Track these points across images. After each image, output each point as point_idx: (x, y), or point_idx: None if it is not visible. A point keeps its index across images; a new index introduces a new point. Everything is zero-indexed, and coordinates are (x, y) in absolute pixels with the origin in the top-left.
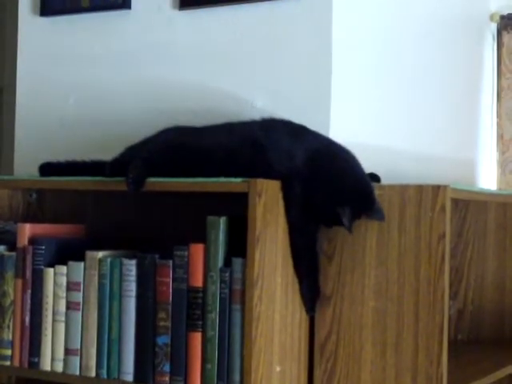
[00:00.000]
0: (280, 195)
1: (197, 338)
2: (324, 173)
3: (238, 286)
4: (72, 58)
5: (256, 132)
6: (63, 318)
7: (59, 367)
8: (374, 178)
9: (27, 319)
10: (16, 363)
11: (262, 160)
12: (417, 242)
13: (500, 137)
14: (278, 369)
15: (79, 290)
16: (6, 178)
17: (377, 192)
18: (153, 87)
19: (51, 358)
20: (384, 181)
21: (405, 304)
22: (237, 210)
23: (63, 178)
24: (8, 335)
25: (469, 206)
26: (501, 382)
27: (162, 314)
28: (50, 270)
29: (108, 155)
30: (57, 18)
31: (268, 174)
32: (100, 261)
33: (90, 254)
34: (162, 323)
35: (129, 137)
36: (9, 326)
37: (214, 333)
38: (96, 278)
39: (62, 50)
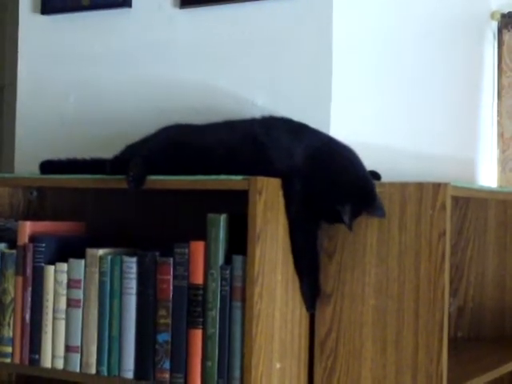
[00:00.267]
0: (280, 193)
1: (197, 336)
2: (324, 170)
3: (238, 284)
4: (72, 56)
5: (256, 130)
6: (64, 316)
7: (60, 364)
8: (375, 175)
9: (28, 316)
10: (16, 360)
11: (262, 158)
12: (417, 240)
13: (500, 135)
14: (278, 366)
15: (80, 288)
16: (6, 175)
17: (377, 190)
18: (153, 85)
19: (52, 356)
20: (384, 179)
21: (405, 302)
22: (237, 207)
23: (64, 175)
24: (8, 332)
25: (469, 204)
26: (501, 380)
27: (162, 312)
28: (51, 268)
29: (108, 153)
30: (57, 17)
31: (268, 172)
32: (100, 258)
33: (90, 251)
34: (162, 320)
35: (129, 135)
36: (9, 324)
37: (214, 330)
38: (96, 275)
39: (63, 49)
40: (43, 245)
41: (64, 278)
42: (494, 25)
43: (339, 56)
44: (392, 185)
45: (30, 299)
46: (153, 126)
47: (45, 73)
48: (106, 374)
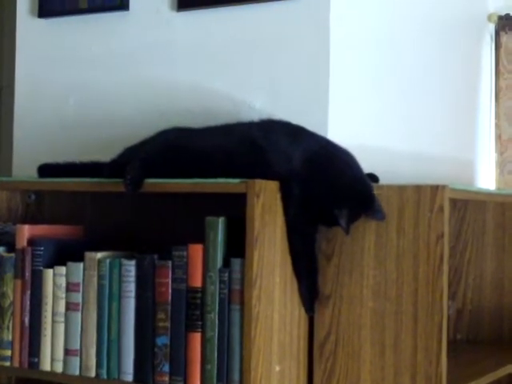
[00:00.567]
0: (278, 196)
1: (196, 339)
2: (322, 173)
3: (236, 286)
4: (70, 59)
5: (254, 133)
6: (62, 319)
7: (59, 367)
8: (373, 178)
9: (27, 320)
10: (16, 364)
11: (260, 161)
12: (415, 242)
13: (498, 137)
14: (277, 368)
15: (78, 291)
16: (4, 179)
17: (375, 192)
18: (151, 88)
19: (51, 359)
20: (382, 181)
21: (403, 304)
22: (235, 210)
23: (62, 179)
24: (8, 336)
25: (467, 206)
26: (500, 382)
27: (161, 315)
28: (49, 271)
29: (107, 156)
30: (55, 20)
31: (266, 175)
32: (99, 261)
33: (88, 254)
34: (161, 324)
35: (127, 138)
36: (8, 327)
37: (213, 333)
38: (95, 278)
39: (61, 52)
40: (42, 248)
41: (63, 282)
42: (492, 27)
43: (337, 58)
44: (390, 187)
45: (28, 303)
46: (151, 128)
47: (43, 75)
48: (105, 377)
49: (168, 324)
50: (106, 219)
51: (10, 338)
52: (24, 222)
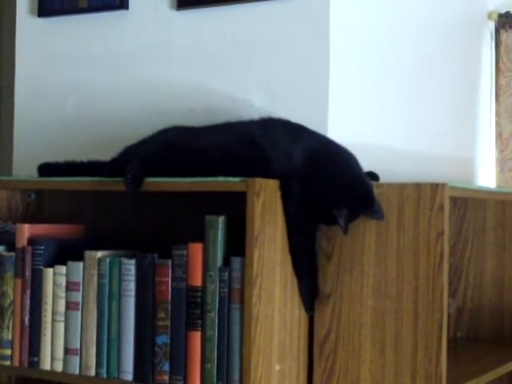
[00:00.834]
0: (278, 194)
1: (196, 338)
2: (322, 172)
3: (237, 285)
4: (70, 58)
5: (254, 131)
6: (62, 318)
7: (59, 367)
8: (373, 176)
9: (27, 319)
10: (16, 363)
11: (260, 159)
12: (415, 241)
13: (498, 135)
14: (277, 367)
15: (78, 290)
16: (4, 178)
17: (375, 191)
18: (151, 87)
19: (51, 358)
20: (383, 180)
21: (404, 302)
22: (235, 209)
23: (62, 178)
24: (8, 335)
25: (468, 204)
26: (500, 380)
27: (161, 314)
28: (50, 270)
29: (106, 155)
30: (55, 19)
31: (266, 173)
32: (99, 261)
33: (88, 253)
34: (161, 323)
35: (127, 137)
36: (8, 326)
37: (213, 332)
38: (95, 277)
39: (60, 51)
40: (42, 247)
41: (63, 281)
42: (492, 25)
43: (336, 57)
44: (390, 185)
45: (28, 302)
46: (151, 127)
47: (43, 75)
48: (105, 376)
49: (168, 323)
50: (106, 218)
51: (10, 337)
52: (24, 221)
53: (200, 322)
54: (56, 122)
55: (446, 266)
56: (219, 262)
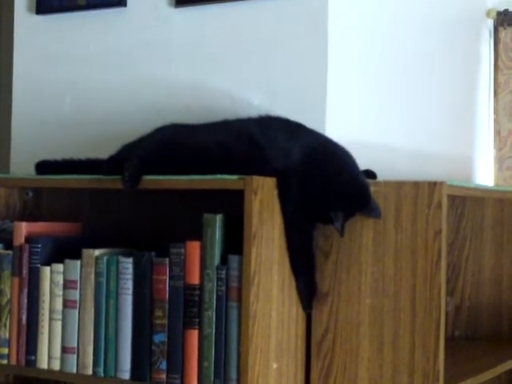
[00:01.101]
0: (276, 192)
1: (193, 336)
2: (319, 170)
3: (234, 284)
4: (68, 56)
5: (252, 129)
6: (60, 317)
7: (56, 365)
8: (370, 174)
9: (24, 317)
10: (13, 361)
11: (258, 157)
12: (413, 239)
13: (497, 133)
14: (274, 366)
15: (76, 288)
16: (2, 176)
17: (373, 189)
18: (149, 85)
19: (48, 356)
20: (380, 178)
21: (401, 301)
22: (233, 207)
23: (59, 176)
24: (5, 333)
25: (466, 202)
26: (499, 378)
27: (158, 312)
28: (47, 269)
29: (105, 153)
30: (53, 16)
31: (264, 171)
32: (96, 259)
33: (86, 252)
34: (158, 321)
35: (125, 135)
36: (5, 325)
37: (210, 330)
38: (92, 276)
39: (58, 49)
40: (39, 245)
41: (60, 279)
42: (490, 23)
43: (335, 55)
44: (388, 184)
45: (26, 300)
46: (149, 125)
47: (40, 73)
48: (102, 374)
49: (165, 321)
50: (103, 216)
51: (8, 335)
52: (22, 219)
53: (197, 320)
54: (54, 120)
55: (443, 264)
56: (217, 260)
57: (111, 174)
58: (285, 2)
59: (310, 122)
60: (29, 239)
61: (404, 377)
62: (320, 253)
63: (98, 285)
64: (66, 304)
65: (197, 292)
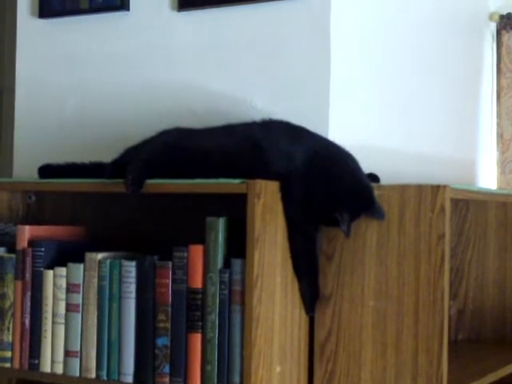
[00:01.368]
0: (279, 196)
1: (196, 340)
2: (323, 174)
3: (237, 287)
4: (71, 59)
5: (255, 133)
6: (63, 320)
7: (59, 369)
8: (374, 178)
9: (27, 321)
10: (16, 365)
11: (261, 161)
12: (416, 242)
13: (500, 136)
14: (278, 369)
15: (79, 292)
16: (5, 180)
17: (376, 192)
18: (151, 88)
19: (51, 360)
20: (383, 181)
21: (405, 304)
22: (236, 211)
23: (62, 180)
24: (8, 337)
25: (469, 206)
26: (502, 382)
27: (161, 316)
28: (50, 272)
29: (107, 157)
30: (56, 20)
31: (267, 175)
32: (99, 262)
33: (89, 255)
34: (161, 324)
35: (128, 138)
36: (9, 328)
37: (213, 334)
38: (95, 279)
39: (61, 52)
40: (42, 249)
41: (63, 283)
42: (493, 26)
43: (337, 58)
44: (391, 187)
45: (29, 304)
46: (152, 128)
47: (43, 76)
48: (105, 378)
49: (168, 325)
50: (106, 220)
51: (11, 339)
52: (25, 222)
53: (200, 323)
54: (57, 124)
55: (447, 267)
56: (220, 263)
57: (114, 178)
58: (287, 5)
59: (312, 126)
60: (32, 243)
61: (407, 380)
62: (323, 255)
63: (100, 288)
64: (69, 308)
65: (200, 296)
